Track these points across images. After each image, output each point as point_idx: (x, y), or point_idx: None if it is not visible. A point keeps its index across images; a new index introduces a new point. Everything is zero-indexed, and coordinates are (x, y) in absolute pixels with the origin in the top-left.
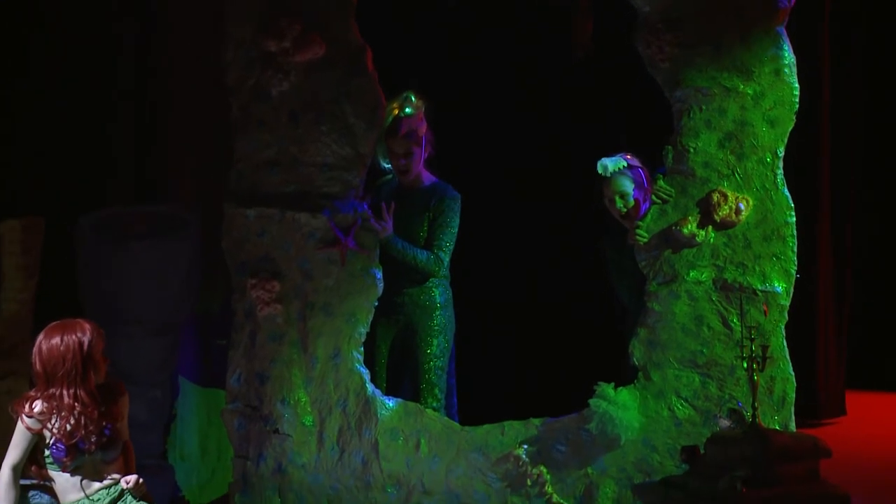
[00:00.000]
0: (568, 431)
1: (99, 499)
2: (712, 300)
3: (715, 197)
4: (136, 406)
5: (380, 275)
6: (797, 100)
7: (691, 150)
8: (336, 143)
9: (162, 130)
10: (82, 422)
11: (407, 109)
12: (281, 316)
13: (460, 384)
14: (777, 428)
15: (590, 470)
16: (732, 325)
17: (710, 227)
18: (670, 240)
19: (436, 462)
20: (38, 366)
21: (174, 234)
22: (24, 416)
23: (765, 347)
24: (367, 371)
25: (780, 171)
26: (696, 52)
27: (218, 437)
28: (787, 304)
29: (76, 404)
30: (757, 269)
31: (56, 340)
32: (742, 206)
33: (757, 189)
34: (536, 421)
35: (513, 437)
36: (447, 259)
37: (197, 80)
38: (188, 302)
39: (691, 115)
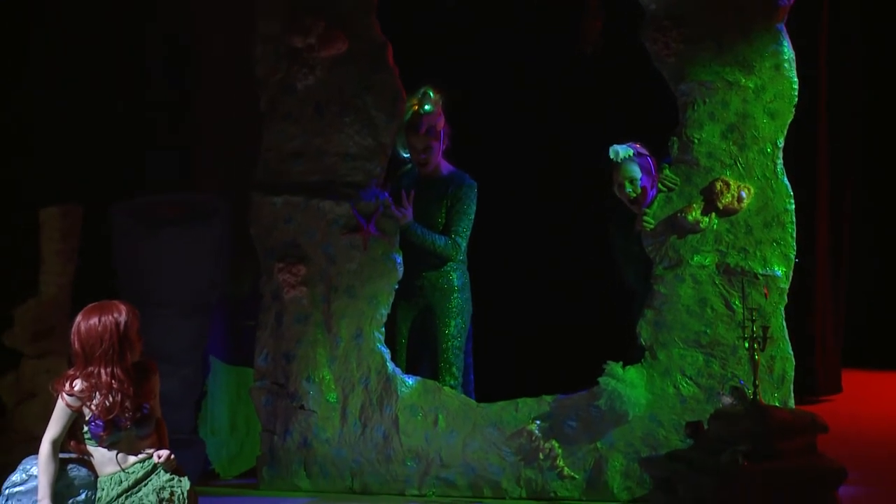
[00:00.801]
0: (578, 408)
1: (134, 472)
2: (715, 283)
3: (718, 185)
4: (169, 384)
5: (400, 259)
6: (796, 93)
7: (695, 140)
8: (358, 135)
9: (194, 123)
10: (119, 399)
11: (427, 107)
12: (306, 298)
13: (477, 363)
14: (777, 405)
15: (599, 444)
16: (734, 307)
17: (713, 214)
18: (676, 226)
19: (453, 437)
20: (76, 345)
21: (205, 220)
22: (64, 393)
23: (765, 328)
24: (388, 350)
25: (780, 161)
26: (700, 47)
27: (246, 413)
28: (787, 287)
29: (114, 382)
30: (758, 253)
31: (94, 321)
32: (744, 194)
33: (758, 178)
34: (548, 398)
35: (526, 413)
36: (464, 244)
37: (228, 74)
38: (218, 285)
39: (695, 107)
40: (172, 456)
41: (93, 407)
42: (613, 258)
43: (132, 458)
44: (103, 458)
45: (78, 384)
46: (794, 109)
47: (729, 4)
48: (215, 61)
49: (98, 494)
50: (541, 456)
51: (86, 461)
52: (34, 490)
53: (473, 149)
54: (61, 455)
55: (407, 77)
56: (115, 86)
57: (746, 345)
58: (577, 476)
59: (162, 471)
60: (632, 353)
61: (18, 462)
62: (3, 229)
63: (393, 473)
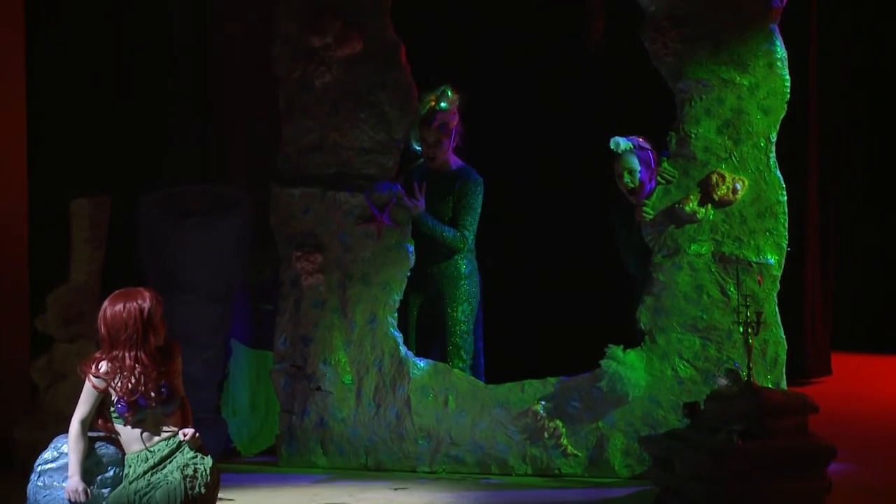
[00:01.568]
0: (581, 389)
1: (159, 449)
2: (711, 271)
3: (714, 178)
4: (193, 366)
5: (412, 248)
6: (788, 90)
7: (693, 135)
8: (373, 130)
9: (218, 118)
10: (142, 381)
11: (443, 104)
12: (323, 285)
13: (487, 346)
14: (770, 386)
15: (601, 424)
16: (730, 293)
17: (709, 205)
18: (674, 216)
19: (462, 417)
20: (102, 330)
21: (227, 211)
22: (90, 375)
23: (759, 313)
24: (401, 335)
25: (773, 155)
26: (697, 47)
27: (266, 394)
28: (779, 274)
29: (137, 365)
30: (752, 242)
31: (119, 307)
32: (738, 186)
33: (752, 171)
34: (553, 380)
35: (532, 394)
36: (471, 237)
37: (249, 72)
38: (240, 272)
39: (692, 104)
40: (197, 434)
41: (116, 388)
42: (615, 246)
43: (157, 437)
44: (130, 437)
45: (103, 366)
46: (786, 106)
47: (725, 6)
48: (237, 60)
49: (125, 471)
50: (546, 435)
51: (113, 439)
52: (65, 467)
53: (479, 144)
54: (90, 434)
55: (418, 75)
56: (143, 85)
57: (741, 329)
58: (579, 454)
59: (186, 448)
60: (632, 338)
61: (50, 441)
62: (36, 220)
63: (405, 451)
